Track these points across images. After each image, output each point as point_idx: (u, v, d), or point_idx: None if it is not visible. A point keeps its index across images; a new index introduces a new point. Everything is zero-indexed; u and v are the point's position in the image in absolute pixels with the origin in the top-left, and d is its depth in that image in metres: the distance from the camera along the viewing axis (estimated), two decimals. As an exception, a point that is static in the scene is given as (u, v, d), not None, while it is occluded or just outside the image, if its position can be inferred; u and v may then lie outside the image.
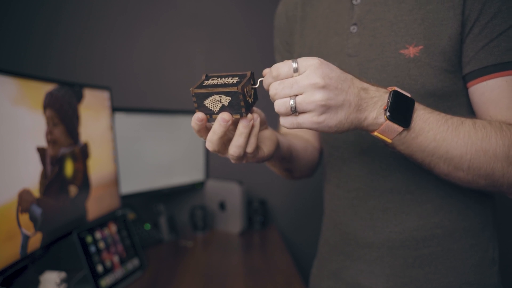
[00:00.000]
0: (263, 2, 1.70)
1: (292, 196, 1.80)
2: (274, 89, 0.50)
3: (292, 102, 0.49)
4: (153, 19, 1.66)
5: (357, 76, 0.54)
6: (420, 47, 0.64)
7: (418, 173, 0.70)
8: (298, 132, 0.88)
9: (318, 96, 0.48)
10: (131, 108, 1.47)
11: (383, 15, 0.67)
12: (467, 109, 0.68)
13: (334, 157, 0.79)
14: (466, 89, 0.66)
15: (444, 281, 0.71)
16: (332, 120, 0.50)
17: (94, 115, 1.21)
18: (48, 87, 1.00)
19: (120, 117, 1.42)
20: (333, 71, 0.50)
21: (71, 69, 1.59)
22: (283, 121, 0.52)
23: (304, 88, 0.48)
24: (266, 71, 0.53)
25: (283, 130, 0.87)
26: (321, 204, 0.92)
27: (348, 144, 0.75)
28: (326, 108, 0.49)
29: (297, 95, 0.49)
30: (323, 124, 0.50)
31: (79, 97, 1.13)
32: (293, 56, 0.84)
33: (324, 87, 0.48)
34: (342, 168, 0.78)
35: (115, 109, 1.39)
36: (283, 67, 0.50)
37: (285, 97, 0.50)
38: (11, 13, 1.54)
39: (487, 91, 0.62)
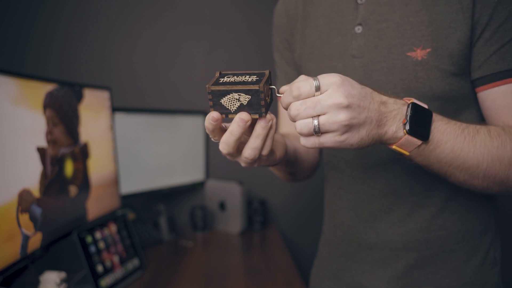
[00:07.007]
0: (263, 2, 1.69)
1: (292, 196, 1.80)
2: (296, 109, 0.48)
3: (316, 122, 0.47)
4: (153, 19, 1.66)
5: (374, 88, 0.53)
6: (428, 49, 0.63)
7: (421, 176, 0.69)
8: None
9: (342, 116, 0.47)
10: (131, 108, 1.47)
11: (389, 16, 0.67)
12: (474, 112, 0.67)
13: (336, 158, 0.79)
14: (473, 93, 0.66)
15: (445, 281, 0.71)
16: (354, 138, 0.49)
17: (94, 115, 1.21)
18: (48, 87, 1.00)
19: (120, 117, 1.42)
20: (355, 88, 0.48)
21: (71, 69, 1.59)
22: (304, 141, 0.50)
23: (328, 108, 0.47)
24: (284, 88, 0.51)
25: (283, 130, 0.87)
26: (321, 204, 0.92)
27: None
28: (349, 127, 0.48)
29: (319, 115, 0.48)
30: (345, 142, 0.49)
31: (79, 97, 1.13)
32: (293, 55, 0.84)
33: (347, 107, 0.47)
34: (344, 170, 0.77)
35: (115, 109, 1.38)
36: (305, 86, 0.47)
37: (308, 118, 0.48)
38: (11, 13, 1.54)
39: (499, 97, 0.62)
